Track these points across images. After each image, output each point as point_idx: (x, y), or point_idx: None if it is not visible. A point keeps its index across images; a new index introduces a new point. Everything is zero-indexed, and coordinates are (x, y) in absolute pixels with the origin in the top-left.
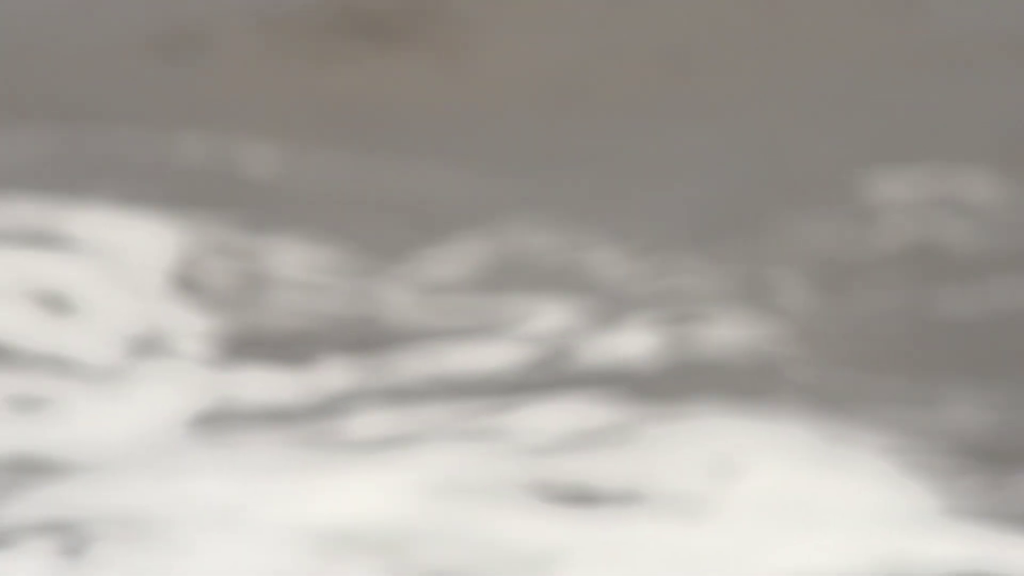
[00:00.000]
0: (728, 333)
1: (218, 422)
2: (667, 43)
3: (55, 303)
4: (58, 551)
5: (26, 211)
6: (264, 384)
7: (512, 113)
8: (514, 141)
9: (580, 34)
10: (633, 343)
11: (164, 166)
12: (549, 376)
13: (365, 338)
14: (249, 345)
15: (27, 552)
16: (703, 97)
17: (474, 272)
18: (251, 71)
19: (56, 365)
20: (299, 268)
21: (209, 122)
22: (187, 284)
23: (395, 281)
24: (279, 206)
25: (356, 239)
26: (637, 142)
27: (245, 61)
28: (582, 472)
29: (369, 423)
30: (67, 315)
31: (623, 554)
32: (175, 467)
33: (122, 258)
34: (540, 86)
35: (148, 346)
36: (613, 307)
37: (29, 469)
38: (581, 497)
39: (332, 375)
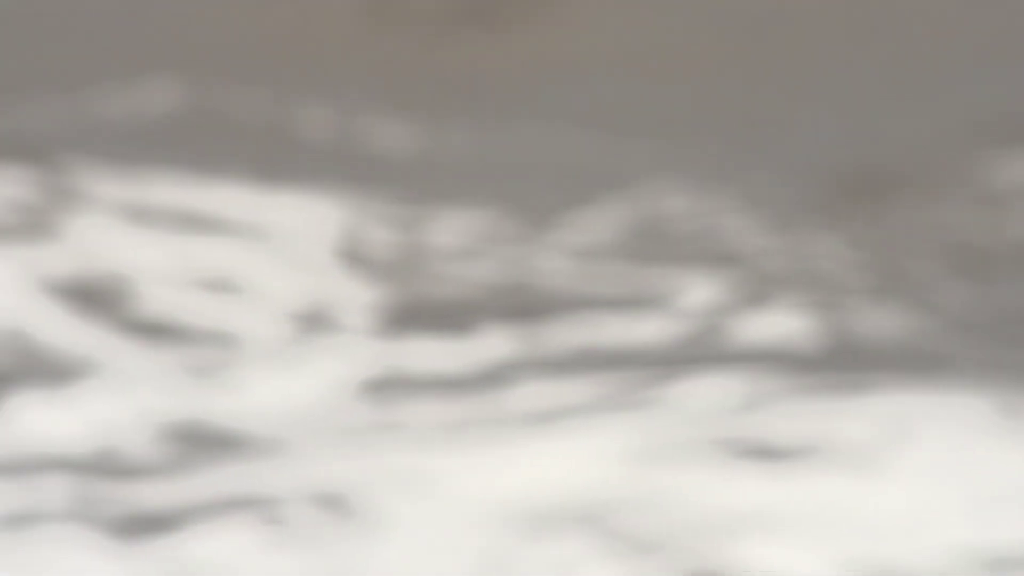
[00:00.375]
0: (882, 320)
1: (386, 393)
2: (774, 14)
3: (221, 284)
4: (259, 525)
5: (169, 189)
6: (428, 354)
7: (630, 80)
8: (635, 106)
9: (683, 4)
10: (787, 323)
11: (292, 140)
12: (706, 350)
13: (523, 307)
14: (412, 315)
15: (228, 527)
16: (812, 68)
17: (621, 237)
18: (363, 50)
19: (225, 341)
20: (457, 237)
21: (329, 97)
22: (351, 257)
23: (548, 248)
24: (427, 178)
25: (507, 206)
26: (748, 110)
27: (354, 41)
28: (762, 432)
29: (535, 393)
30: (234, 294)
31: (816, 513)
32: (356, 439)
33: (282, 236)
34: (645, 55)
35: (314, 320)
36: (758, 284)
37: (209, 442)
38: (767, 453)
39: (493, 344)
